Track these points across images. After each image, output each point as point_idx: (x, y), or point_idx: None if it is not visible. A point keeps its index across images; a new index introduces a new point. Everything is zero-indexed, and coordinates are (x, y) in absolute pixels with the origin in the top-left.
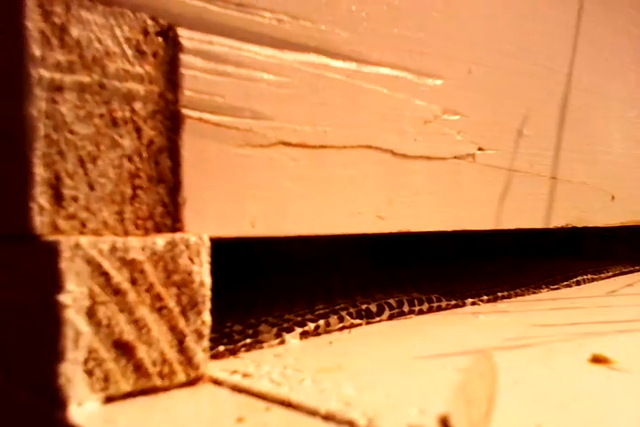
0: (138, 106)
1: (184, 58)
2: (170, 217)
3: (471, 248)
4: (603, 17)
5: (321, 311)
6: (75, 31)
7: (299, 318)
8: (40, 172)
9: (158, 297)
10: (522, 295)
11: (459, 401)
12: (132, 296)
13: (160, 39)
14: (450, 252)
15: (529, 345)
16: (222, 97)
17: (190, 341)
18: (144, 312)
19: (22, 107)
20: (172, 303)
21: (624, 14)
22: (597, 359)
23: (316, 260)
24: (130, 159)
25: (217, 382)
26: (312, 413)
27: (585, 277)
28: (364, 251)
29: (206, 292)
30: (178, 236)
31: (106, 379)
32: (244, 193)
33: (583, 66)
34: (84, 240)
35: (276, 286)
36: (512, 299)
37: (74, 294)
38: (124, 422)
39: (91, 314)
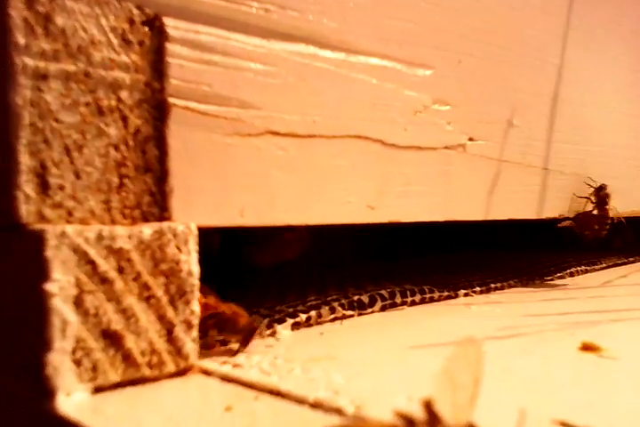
0: (124, 95)
1: (170, 47)
2: (157, 206)
3: (465, 241)
4: (594, 9)
5: (313, 303)
6: (59, 20)
7: (290, 310)
8: (25, 160)
9: (146, 286)
10: (515, 287)
11: (444, 385)
12: (119, 285)
13: (146, 28)
14: (443, 245)
15: (520, 334)
16: (209, 86)
17: (179, 331)
18: (132, 301)
19: (7, 95)
20: (159, 292)
21: (615, 6)
22: (587, 347)
23: (309, 253)
24: (116, 148)
25: (207, 373)
26: (300, 401)
27: (579, 268)
28: (356, 245)
29: (194, 281)
30: (165, 224)
31: (94, 369)
32: (233, 182)
33: (574, 58)
34: (70, 228)
35: (268, 278)
36: (505, 290)
37: (60, 282)
38: (113, 413)
39: (78, 303)
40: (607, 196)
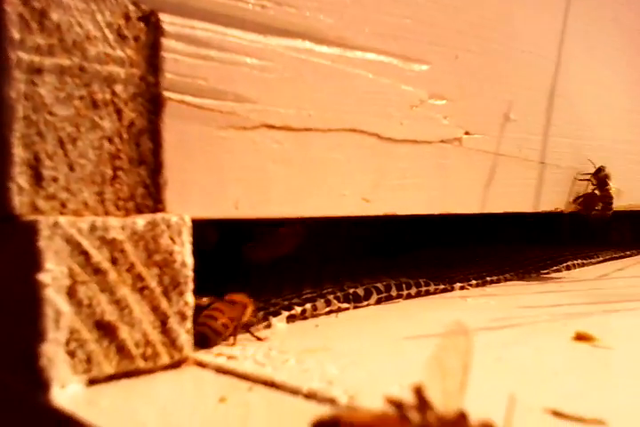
0: (118, 88)
1: (166, 42)
2: (151, 198)
3: (464, 237)
4: (591, 6)
5: (308, 296)
6: (55, 15)
7: (286, 303)
8: (19, 152)
9: (139, 277)
10: (511, 280)
11: (434, 372)
12: (112, 276)
13: (142, 24)
14: (442, 241)
15: (514, 325)
16: (205, 80)
17: (173, 322)
18: (125, 292)
19: (1, 88)
20: (153, 284)
21: (612, 3)
22: (581, 337)
23: (306, 248)
24: (110, 141)
25: (201, 365)
26: (294, 391)
27: (575, 262)
28: (354, 240)
29: (188, 272)
30: (159, 216)
31: (88, 360)
32: (227, 175)
33: (571, 53)
34: (63, 219)
35: (264, 273)
36: (501, 283)
37: (53, 272)
38: (107, 404)
39: (71, 294)
40: (607, 176)
